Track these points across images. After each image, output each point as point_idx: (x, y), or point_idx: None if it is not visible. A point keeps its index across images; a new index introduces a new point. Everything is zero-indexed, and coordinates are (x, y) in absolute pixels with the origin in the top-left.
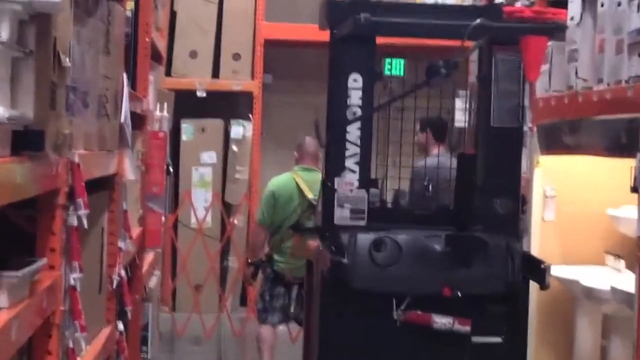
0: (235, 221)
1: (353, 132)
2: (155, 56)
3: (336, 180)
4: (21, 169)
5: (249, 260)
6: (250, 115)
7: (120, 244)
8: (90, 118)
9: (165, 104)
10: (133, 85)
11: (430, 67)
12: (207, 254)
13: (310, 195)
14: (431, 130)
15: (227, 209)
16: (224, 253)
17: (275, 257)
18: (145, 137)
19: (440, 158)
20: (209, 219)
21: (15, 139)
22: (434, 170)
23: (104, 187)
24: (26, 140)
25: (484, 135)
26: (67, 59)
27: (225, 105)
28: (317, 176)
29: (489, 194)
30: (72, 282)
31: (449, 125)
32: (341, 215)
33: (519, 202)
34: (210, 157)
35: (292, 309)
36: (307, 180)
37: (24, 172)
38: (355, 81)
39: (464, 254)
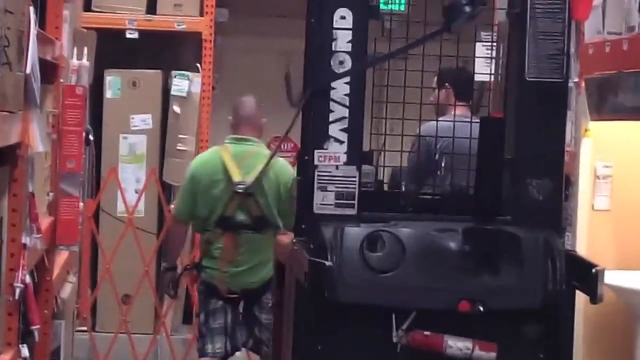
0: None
1: (340, 87)
2: None
3: (316, 153)
4: None
5: (163, 265)
6: (199, 65)
7: (25, 239)
8: None
9: (85, 49)
10: (42, 23)
11: (452, 6)
12: (139, 254)
13: (237, 177)
14: (452, 86)
15: (167, 191)
16: (162, 252)
17: (203, 262)
18: (58, 94)
19: (457, 122)
20: (141, 206)
21: None
22: (447, 139)
23: (2, 161)
24: None
25: (516, 93)
26: None
27: (165, 51)
28: (252, 149)
29: (522, 172)
30: None
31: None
32: (323, 200)
33: (561, 185)
34: (144, 121)
35: (239, 334)
36: (236, 155)
37: None
38: (343, 18)
39: (488, 254)
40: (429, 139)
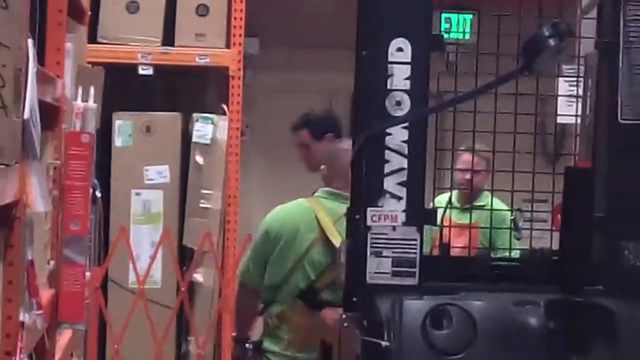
0: (197, 276)
1: (396, 133)
2: (75, 12)
3: (369, 211)
4: None
5: (234, 336)
6: (225, 107)
7: (24, 317)
8: None
9: (91, 88)
10: (41, 58)
11: (531, 42)
12: (150, 331)
13: (337, 242)
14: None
15: (187, 257)
16: (180, 329)
17: (265, 344)
18: (60, 142)
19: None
20: (157, 274)
21: None
22: None
23: None
24: None
25: (607, 138)
26: None
27: (185, 90)
28: None
29: (615, 233)
30: None
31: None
32: (378, 268)
33: None
34: (160, 173)
35: None
36: (332, 214)
37: None
38: (400, 51)
39: (577, 331)
40: None
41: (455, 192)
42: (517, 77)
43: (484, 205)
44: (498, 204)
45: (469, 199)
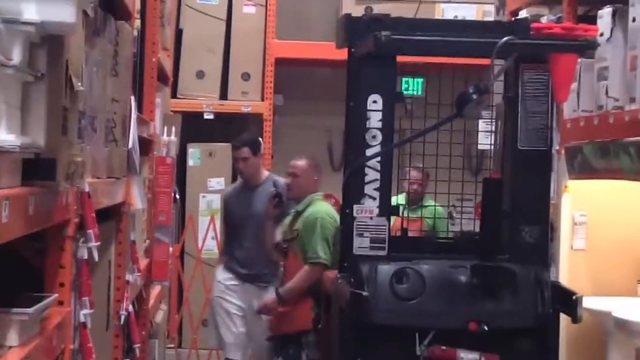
0: None
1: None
2: (162, 77)
3: (355, 207)
4: (33, 200)
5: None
6: (260, 139)
7: (128, 277)
8: (98, 144)
9: (173, 128)
10: (140, 107)
11: (461, 97)
12: (203, 284)
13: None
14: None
15: None
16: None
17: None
18: (152, 163)
19: None
20: (213, 247)
21: (26, 167)
22: None
23: (110, 216)
24: (38, 169)
25: (511, 159)
26: (80, 83)
27: (234, 128)
28: None
29: (516, 221)
30: (82, 318)
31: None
32: (361, 244)
33: (547, 230)
34: (218, 183)
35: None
36: None
37: (36, 202)
38: (375, 102)
39: (491, 285)
40: None
41: (403, 195)
42: (452, 120)
43: (427, 206)
44: (432, 203)
45: (415, 200)
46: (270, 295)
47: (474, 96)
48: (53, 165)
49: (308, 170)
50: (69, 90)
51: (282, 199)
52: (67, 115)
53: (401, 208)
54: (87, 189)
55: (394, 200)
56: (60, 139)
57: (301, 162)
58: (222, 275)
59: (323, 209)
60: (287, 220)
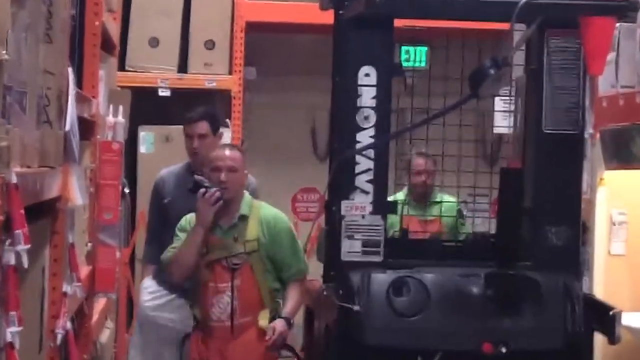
0: None
1: (365, 141)
2: (107, 45)
3: (343, 204)
4: None
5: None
6: (228, 121)
7: (66, 288)
8: (28, 125)
9: (120, 107)
10: (79, 82)
11: (476, 73)
12: None
13: None
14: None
15: None
16: None
17: None
18: (95, 150)
19: None
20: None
21: None
22: None
23: (43, 214)
24: None
25: (534, 144)
26: (4, 51)
27: (196, 108)
28: None
29: (541, 220)
30: (8, 337)
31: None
32: (350, 249)
33: (578, 231)
34: None
35: None
36: None
37: None
38: (367, 76)
39: (510, 297)
40: None
41: (402, 192)
42: (465, 103)
43: (439, 202)
44: (449, 198)
45: (423, 197)
46: (278, 323)
47: (492, 71)
48: None
49: (243, 163)
50: None
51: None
52: None
53: (400, 206)
54: (14, 179)
55: (391, 199)
56: None
57: (235, 153)
58: (151, 290)
59: (274, 209)
60: (224, 228)
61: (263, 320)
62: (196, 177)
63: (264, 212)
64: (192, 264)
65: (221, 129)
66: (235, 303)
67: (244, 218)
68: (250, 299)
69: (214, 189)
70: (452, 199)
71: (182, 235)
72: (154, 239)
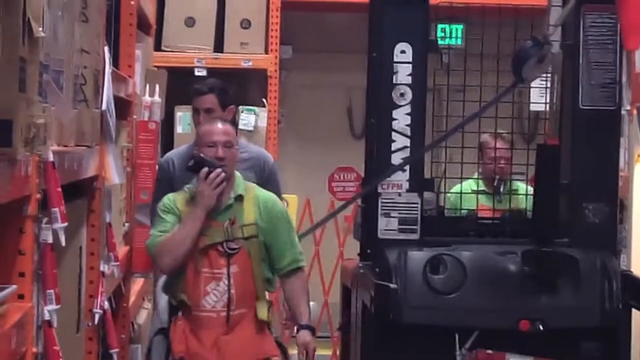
0: None
1: (401, 119)
2: (143, 24)
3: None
4: None
5: None
6: (265, 100)
7: (103, 267)
8: (65, 104)
9: (156, 87)
10: (115, 61)
11: (518, 55)
12: None
13: None
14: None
15: None
16: None
17: None
18: (132, 129)
19: None
20: None
21: None
22: None
23: (81, 193)
24: None
25: (570, 121)
26: (41, 29)
27: (232, 87)
28: None
29: (578, 196)
30: (46, 315)
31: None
32: (387, 226)
33: (616, 208)
34: None
35: None
36: None
37: None
38: (403, 53)
39: (547, 275)
40: None
41: (474, 181)
42: (512, 90)
43: (516, 190)
44: (524, 187)
45: (496, 185)
46: (305, 335)
47: (535, 50)
48: (9, 127)
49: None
50: (27, 37)
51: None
52: (25, 67)
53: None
54: (51, 158)
55: (466, 186)
56: (16, 95)
57: (229, 127)
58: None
59: (267, 191)
60: (219, 209)
61: (262, 312)
62: (195, 153)
63: (259, 194)
64: (188, 250)
65: (233, 106)
66: (232, 292)
67: (239, 199)
68: (246, 288)
69: (219, 168)
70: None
71: (168, 218)
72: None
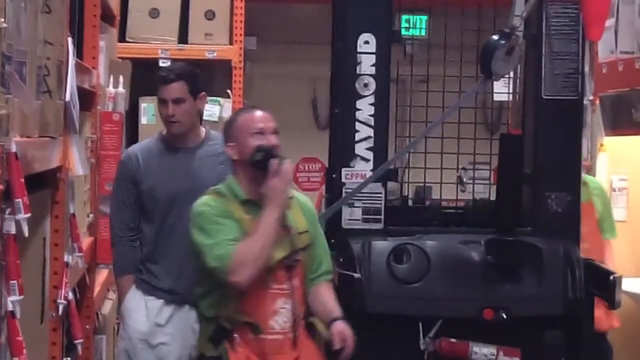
0: None
1: (365, 109)
2: (107, 16)
3: (344, 171)
4: None
5: None
6: (229, 91)
7: (67, 258)
8: (28, 95)
9: (120, 78)
10: (79, 52)
11: (486, 48)
12: None
13: None
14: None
15: None
16: None
17: None
18: (96, 120)
19: None
20: None
21: None
22: None
23: (44, 184)
24: None
25: (533, 111)
26: (2, 19)
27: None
28: None
29: (541, 186)
30: (10, 306)
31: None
32: (351, 216)
33: (578, 197)
34: None
35: None
36: None
37: None
38: (366, 43)
39: (510, 264)
40: None
41: None
42: (483, 90)
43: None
44: (592, 180)
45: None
46: (340, 324)
47: (502, 41)
48: None
49: None
50: None
51: None
52: None
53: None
54: (14, 148)
55: None
56: None
57: (268, 113)
58: (140, 308)
59: (299, 192)
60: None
61: (321, 326)
62: (259, 145)
63: (295, 193)
64: (265, 260)
65: (204, 93)
66: (296, 310)
67: (289, 201)
68: (303, 304)
69: (286, 159)
70: (596, 180)
71: (228, 223)
72: (125, 239)
